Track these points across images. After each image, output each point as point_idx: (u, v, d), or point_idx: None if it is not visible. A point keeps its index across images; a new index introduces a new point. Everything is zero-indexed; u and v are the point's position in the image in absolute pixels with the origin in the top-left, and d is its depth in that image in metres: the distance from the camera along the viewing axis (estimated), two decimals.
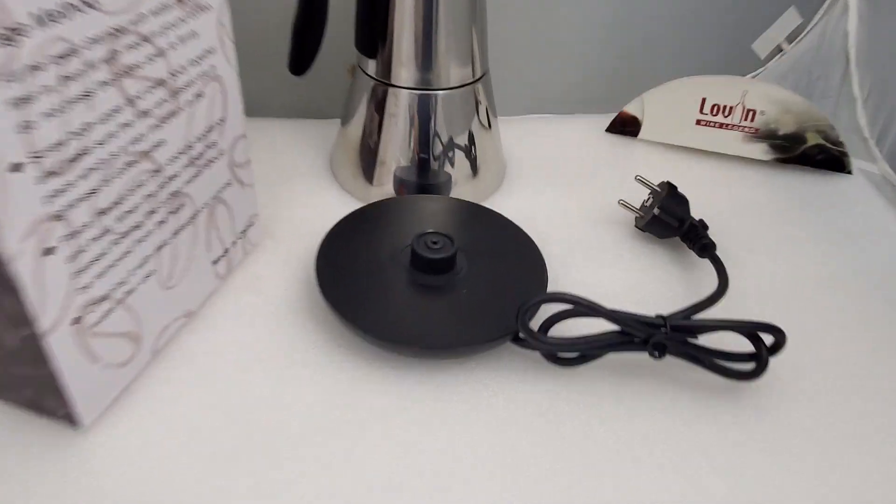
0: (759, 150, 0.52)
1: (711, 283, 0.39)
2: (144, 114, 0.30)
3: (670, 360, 0.35)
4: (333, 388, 0.35)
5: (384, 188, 0.47)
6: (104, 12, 0.26)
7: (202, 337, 0.37)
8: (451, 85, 0.45)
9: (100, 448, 0.31)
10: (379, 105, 0.45)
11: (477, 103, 0.46)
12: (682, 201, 0.44)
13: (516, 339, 0.36)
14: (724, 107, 0.51)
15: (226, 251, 0.39)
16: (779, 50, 0.58)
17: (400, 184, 0.47)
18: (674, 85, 0.52)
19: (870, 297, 0.42)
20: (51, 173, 0.25)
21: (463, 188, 0.48)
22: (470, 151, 0.47)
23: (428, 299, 0.38)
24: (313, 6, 0.40)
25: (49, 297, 0.27)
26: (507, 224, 0.43)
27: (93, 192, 0.28)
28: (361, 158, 0.47)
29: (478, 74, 0.46)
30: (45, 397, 0.30)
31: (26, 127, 0.24)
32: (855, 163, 0.52)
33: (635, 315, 0.34)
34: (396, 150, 0.46)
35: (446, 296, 0.38)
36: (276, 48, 0.44)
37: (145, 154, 0.30)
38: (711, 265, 0.41)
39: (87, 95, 0.26)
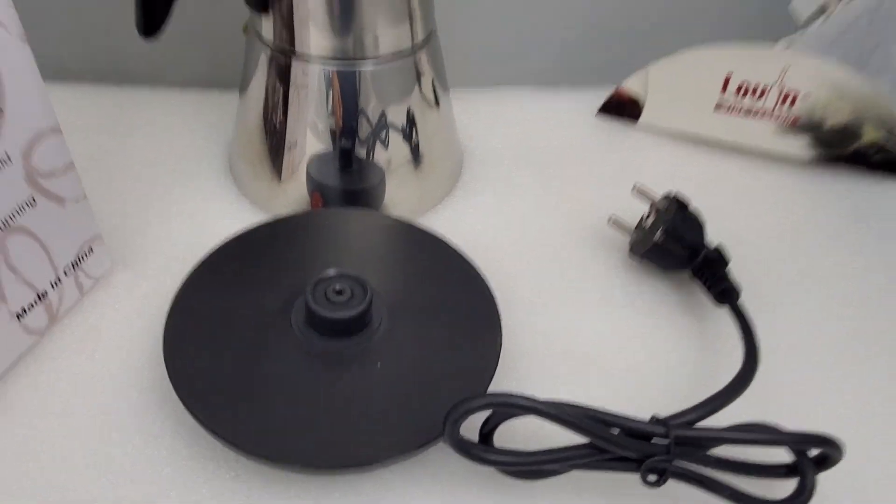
0: (799, 146, 0.40)
1: (732, 349, 0.28)
2: None
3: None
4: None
5: (294, 194, 0.35)
6: None
7: (10, 418, 0.25)
8: (381, 52, 0.32)
9: None
10: (283, 81, 0.33)
11: (419, 74, 0.34)
12: (695, 224, 0.32)
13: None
14: (756, 86, 0.38)
15: (40, 296, 0.27)
16: (822, 11, 0.45)
17: (315, 186, 0.35)
18: (688, 56, 0.39)
19: None
20: None
21: (402, 190, 0.35)
22: (410, 137, 0.35)
23: (329, 378, 0.26)
24: None
25: None
26: (452, 255, 0.31)
27: None
28: (264, 151, 0.35)
29: (419, 37, 0.33)
30: None
31: None
32: None
33: (621, 419, 0.23)
34: (307, 140, 0.34)
35: (355, 372, 0.26)
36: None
37: None
38: (733, 319, 0.30)
39: None
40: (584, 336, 0.30)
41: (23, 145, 0.24)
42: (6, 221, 0.24)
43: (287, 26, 0.31)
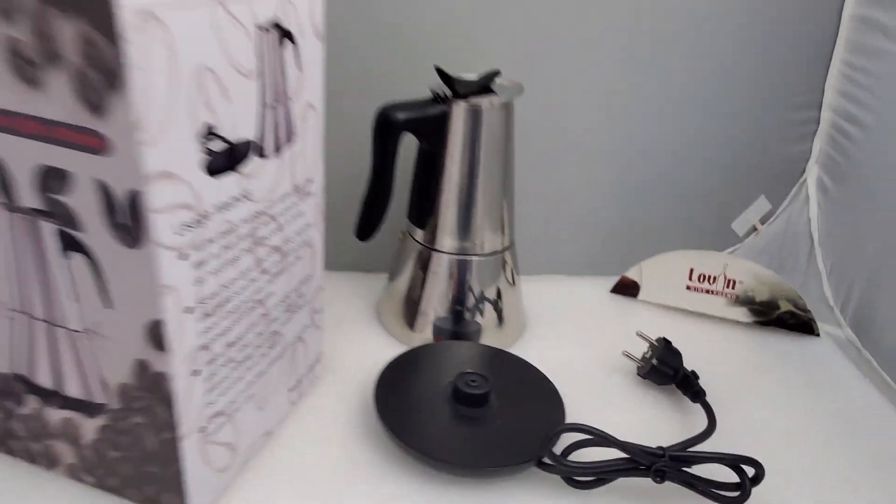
0: (741, 314, 0.61)
1: (702, 424, 0.47)
2: (265, 272, 0.39)
3: (669, 487, 0.42)
4: (387, 499, 0.41)
5: (424, 334, 0.56)
6: (253, 201, 0.36)
7: (278, 454, 0.44)
8: (486, 252, 0.55)
9: None
10: (424, 266, 0.55)
11: (504, 264, 0.56)
12: (677, 354, 0.53)
13: (540, 464, 0.43)
14: (709, 276, 0.61)
15: (298, 382, 0.47)
16: (754, 229, 0.70)
17: (437, 331, 0.56)
18: (667, 256, 0.62)
19: (838, 441, 0.49)
20: (206, 315, 0.34)
21: (490, 337, 0.56)
22: (497, 305, 0.56)
23: (467, 427, 0.45)
24: (382, 186, 0.52)
25: (190, 409, 0.35)
26: (531, 368, 0.51)
27: (227, 329, 0.37)
28: (405, 309, 0.57)
29: (506, 244, 0.56)
30: (164, 494, 0.37)
31: (198, 282, 0.33)
32: (822, 327, 0.61)
33: (640, 445, 0.42)
34: (436, 304, 0.55)
35: (482, 425, 0.45)
36: (333, 213, 0.53)
37: (260, 302, 0.39)
38: (702, 409, 0.49)
39: (235, 259, 0.36)
40: (611, 421, 0.49)
41: (313, 294, 0.46)
42: (300, 334, 0.45)
43: (432, 234, 0.54)
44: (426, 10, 0.58)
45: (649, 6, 0.60)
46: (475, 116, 0.51)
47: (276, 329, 0.42)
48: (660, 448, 0.42)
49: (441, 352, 0.52)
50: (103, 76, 0.27)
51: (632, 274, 0.64)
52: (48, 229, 0.32)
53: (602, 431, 0.41)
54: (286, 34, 0.36)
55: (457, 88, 0.50)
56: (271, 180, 0.38)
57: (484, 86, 0.52)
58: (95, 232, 0.31)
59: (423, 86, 0.53)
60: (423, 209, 0.54)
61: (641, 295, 0.64)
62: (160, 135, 0.29)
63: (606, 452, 0.41)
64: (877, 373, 0.57)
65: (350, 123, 0.54)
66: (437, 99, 0.51)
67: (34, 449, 0.40)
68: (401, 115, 0.49)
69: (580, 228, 0.68)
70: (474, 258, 0.55)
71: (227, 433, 0.39)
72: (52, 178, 0.30)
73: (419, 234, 0.55)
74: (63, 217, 0.31)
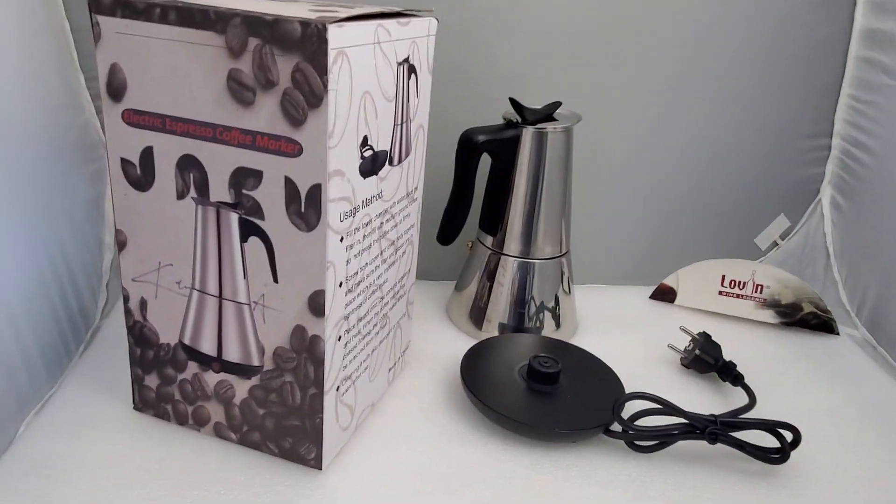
0: (768, 315, 0.69)
1: (743, 403, 0.54)
2: (384, 261, 0.47)
3: (719, 451, 0.49)
4: (477, 457, 0.48)
5: (490, 332, 0.64)
6: (383, 200, 0.45)
7: (382, 421, 0.51)
8: (546, 256, 0.63)
9: (338, 484, 0.44)
10: (492, 269, 0.63)
11: (562, 273, 0.64)
12: (716, 346, 0.60)
13: (607, 431, 0.50)
14: (739, 282, 0.69)
15: (395, 363, 0.55)
16: (775, 244, 0.78)
17: (502, 330, 0.64)
18: (700, 265, 0.70)
19: (858, 422, 0.56)
20: (349, 290, 0.42)
21: (548, 333, 0.64)
22: (555, 310, 0.64)
23: (541, 400, 0.52)
24: (463, 197, 0.60)
25: (332, 369, 0.42)
26: (590, 356, 0.59)
27: (360, 305, 0.44)
28: (474, 309, 0.65)
29: (564, 251, 0.64)
30: (301, 446, 0.44)
31: (347, 262, 0.41)
32: (841, 328, 0.69)
33: (696, 413, 0.49)
34: (502, 303, 0.63)
35: (554, 398, 0.53)
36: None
37: (380, 286, 0.47)
38: (742, 392, 0.56)
39: (369, 247, 0.44)
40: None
41: (409, 287, 0.54)
42: (398, 321, 0.53)
43: (500, 240, 0.63)
44: (501, 51, 0.67)
45: (683, 50, 0.69)
46: (541, 140, 0.59)
47: (386, 312, 0.50)
48: (712, 415, 0.49)
49: (512, 341, 0.60)
50: (306, 97, 0.35)
51: (669, 281, 0.72)
52: (233, 218, 0.40)
53: (663, 399, 0.49)
54: (412, 69, 0.45)
55: (526, 116, 0.59)
56: (395, 184, 0.46)
57: (548, 114, 0.61)
58: (275, 219, 0.39)
59: (491, 114, 0.62)
60: (494, 219, 0.62)
61: (678, 300, 0.72)
62: (339, 142, 0.37)
63: (663, 421, 0.49)
64: (891, 366, 0.64)
65: (432, 148, 0.63)
66: (510, 125, 0.60)
67: (186, 411, 0.47)
68: (481, 138, 0.58)
69: (622, 243, 0.76)
70: (537, 262, 0.63)
71: (351, 396, 0.46)
72: (245, 177, 0.39)
73: (489, 241, 0.64)
74: (249, 208, 0.39)
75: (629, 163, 0.73)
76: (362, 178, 0.41)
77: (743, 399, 0.56)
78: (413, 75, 0.45)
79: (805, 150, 0.76)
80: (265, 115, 0.37)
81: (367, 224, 0.43)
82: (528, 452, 0.49)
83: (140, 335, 0.46)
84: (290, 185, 0.38)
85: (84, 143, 0.62)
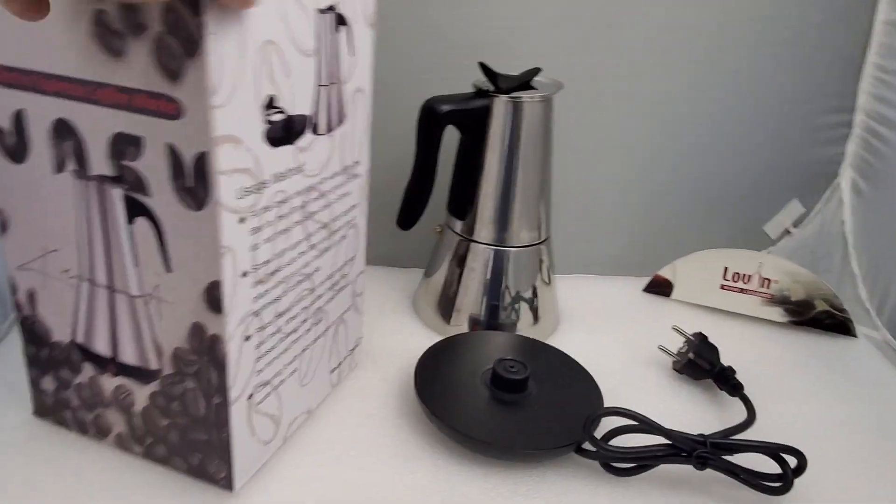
0: (776, 313, 0.61)
1: (740, 417, 0.47)
2: (313, 247, 0.40)
3: (709, 476, 0.42)
4: (427, 478, 0.42)
5: (460, 326, 0.57)
6: (306, 175, 0.38)
7: (319, 432, 0.44)
8: (522, 244, 0.55)
9: None
10: (462, 257, 0.56)
11: (541, 262, 0.57)
12: (713, 349, 0.53)
13: (579, 450, 0.43)
14: (744, 275, 0.61)
15: (339, 364, 0.48)
16: (787, 232, 0.70)
17: (473, 322, 0.56)
18: (701, 255, 0.63)
19: (876, 439, 0.48)
20: (259, 282, 0.35)
21: (525, 330, 0.57)
22: (532, 302, 0.57)
23: (505, 412, 0.45)
24: (425, 176, 0.53)
25: (240, 374, 0.36)
26: (568, 359, 0.51)
27: (277, 299, 0.37)
28: (442, 301, 0.57)
29: (543, 237, 0.57)
30: (210, 463, 0.38)
31: (254, 247, 0.34)
32: (858, 328, 0.61)
33: (681, 432, 0.42)
34: (472, 295, 0.56)
35: (520, 410, 0.46)
36: (371, 208, 0.54)
37: (308, 276, 0.40)
38: (741, 403, 0.49)
39: (286, 230, 0.37)
40: (648, 410, 0.49)
41: (355, 276, 0.47)
42: (342, 315, 0.46)
43: (470, 225, 0.55)
44: (472, 10, 0.59)
45: (684, 11, 0.61)
46: (516, 110, 0.52)
47: (321, 306, 0.43)
48: (700, 435, 0.42)
49: (479, 340, 0.53)
50: (182, 44, 0.28)
51: (665, 273, 0.65)
52: (116, 195, 0.33)
53: (644, 417, 0.41)
54: (341, 19, 0.37)
55: (499, 83, 0.52)
56: (323, 157, 0.39)
57: (525, 82, 0.53)
58: (162, 195, 0.32)
59: (466, 82, 0.54)
60: (463, 201, 0.55)
61: (675, 294, 0.65)
62: (228, 101, 0.30)
63: (645, 440, 0.42)
64: None
65: (390, 117, 0.55)
66: (480, 93, 0.52)
67: (86, 419, 0.41)
68: (445, 108, 0.50)
69: (612, 229, 0.69)
70: (511, 250, 0.55)
71: (272, 404, 0.39)
72: (124, 145, 0.32)
73: (458, 226, 0.56)
74: (132, 182, 0.32)
75: (621, 138, 0.65)
76: (271, 148, 0.34)
77: (741, 411, 0.48)
78: (343, 27, 0.38)
79: (823, 128, 0.67)
80: (139, 68, 0.30)
81: (282, 203, 0.36)
82: (486, 473, 0.42)
83: (31, 331, 0.40)
84: (172, 153, 0.31)
85: None
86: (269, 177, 0.34)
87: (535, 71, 0.53)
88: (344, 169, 0.42)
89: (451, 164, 0.56)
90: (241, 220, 0.33)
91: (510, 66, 0.53)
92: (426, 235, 0.60)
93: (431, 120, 0.51)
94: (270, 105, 0.33)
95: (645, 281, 0.66)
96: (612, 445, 0.42)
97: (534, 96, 0.52)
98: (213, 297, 0.33)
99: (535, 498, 0.41)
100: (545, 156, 0.54)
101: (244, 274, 0.34)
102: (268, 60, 0.32)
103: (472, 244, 0.55)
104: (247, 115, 0.31)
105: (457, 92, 0.53)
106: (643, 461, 0.42)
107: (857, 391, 0.54)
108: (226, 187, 0.31)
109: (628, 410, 0.42)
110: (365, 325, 0.54)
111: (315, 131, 0.38)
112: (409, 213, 0.54)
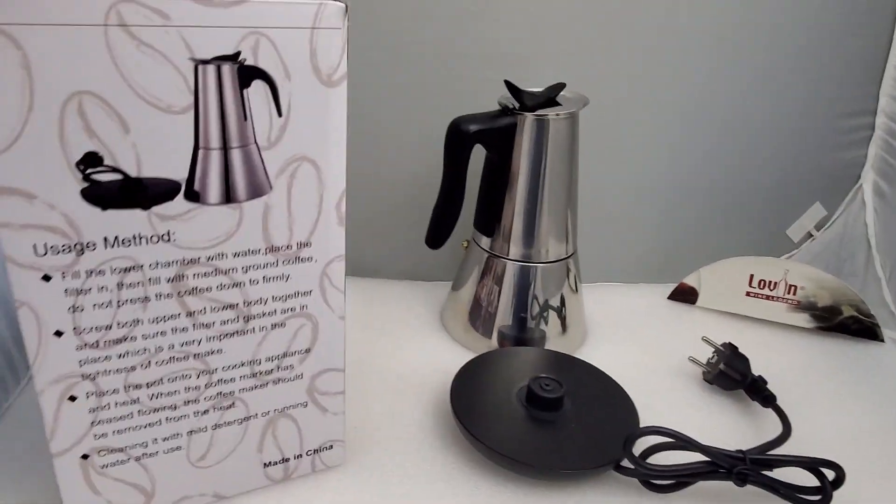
0: (802, 319, 0.62)
1: (774, 429, 0.47)
2: (204, 325, 0.35)
3: (743, 491, 0.42)
4: (469, 501, 0.42)
5: (489, 340, 0.57)
6: (179, 247, 0.33)
7: (360, 458, 0.45)
8: (551, 259, 0.56)
9: None
10: (489, 273, 0.57)
11: (568, 271, 0.57)
12: (744, 360, 0.53)
13: (618, 468, 0.43)
14: (770, 282, 0.61)
15: (285, 460, 0.42)
16: (809, 235, 0.70)
17: (502, 337, 0.57)
18: (726, 262, 0.63)
19: None
20: (89, 345, 0.33)
21: (554, 343, 0.57)
22: (560, 312, 0.57)
23: (542, 430, 0.46)
24: (454, 195, 0.53)
25: (62, 431, 0.34)
26: (600, 373, 0.52)
27: (131, 368, 0.34)
28: (470, 316, 0.58)
29: (570, 252, 0.57)
30: None
31: (74, 309, 0.32)
32: (886, 332, 0.61)
33: (721, 449, 0.42)
34: (501, 310, 0.56)
35: (556, 429, 0.46)
36: (395, 223, 0.55)
37: (198, 356, 0.36)
38: (773, 414, 0.49)
39: (143, 300, 0.33)
40: (681, 427, 0.49)
41: (315, 372, 0.39)
42: (284, 409, 0.40)
43: (498, 242, 0.56)
44: (489, 24, 0.59)
45: (703, 15, 0.61)
46: (542, 128, 0.52)
47: (230, 392, 0.38)
48: (739, 451, 0.42)
49: (511, 357, 0.53)
50: None
51: (690, 280, 0.65)
52: None
53: (683, 434, 0.42)
54: (256, 74, 0.32)
55: (524, 101, 0.52)
56: (217, 231, 0.34)
57: (550, 98, 0.53)
58: None
59: (492, 100, 0.54)
60: (490, 218, 0.55)
61: (700, 301, 0.65)
62: (6, 151, 0.28)
63: (683, 456, 0.42)
64: None
65: (412, 132, 0.56)
66: (506, 111, 0.52)
67: None
68: (472, 127, 0.51)
69: (634, 235, 0.69)
70: (539, 265, 0.56)
71: (133, 473, 0.37)
72: None
73: (485, 242, 0.57)
74: None
75: (641, 144, 0.65)
76: (97, 209, 0.31)
77: (774, 422, 0.48)
78: (266, 83, 0.32)
79: (845, 130, 0.67)
80: None
81: (129, 270, 0.33)
82: (526, 494, 0.43)
83: None
84: None
85: None
86: (98, 239, 0.31)
87: (560, 86, 0.54)
88: (273, 249, 0.36)
89: (477, 179, 0.56)
90: (46, 279, 0.31)
91: (528, 77, 0.54)
92: (450, 249, 0.60)
93: (459, 140, 0.51)
94: (91, 163, 0.30)
95: (668, 287, 0.67)
96: (650, 464, 0.42)
97: (559, 113, 0.52)
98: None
99: None
100: (571, 171, 0.55)
101: (58, 333, 0.32)
102: (82, 113, 0.29)
103: (501, 260, 0.56)
104: (45, 170, 0.29)
105: (477, 103, 0.52)
106: (683, 478, 0.43)
107: (888, 397, 0.54)
108: (13, 242, 0.30)
109: (667, 429, 0.42)
110: (389, 342, 0.54)
111: (198, 199, 0.33)
112: (439, 232, 0.54)
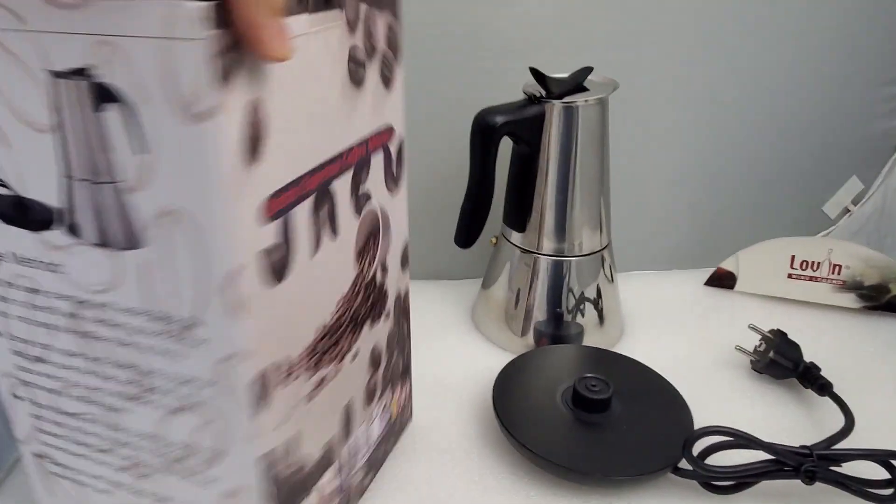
0: (848, 300, 0.59)
1: (832, 419, 0.45)
2: (105, 378, 0.31)
3: (808, 489, 0.40)
4: None
5: (525, 339, 0.55)
6: (70, 282, 0.29)
7: (406, 471, 0.43)
8: (584, 252, 0.53)
9: None
10: (522, 269, 0.54)
11: (603, 262, 0.55)
12: (795, 346, 0.51)
13: (675, 470, 0.41)
14: (812, 262, 0.59)
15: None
16: (846, 211, 0.67)
17: (538, 334, 0.55)
18: (766, 245, 0.60)
19: None
20: (18, 353, 0.32)
21: (592, 337, 0.55)
22: (597, 305, 0.55)
23: (591, 434, 0.44)
24: (483, 191, 0.51)
25: (17, 422, 0.34)
26: (646, 369, 0.50)
27: (56, 391, 0.32)
28: (505, 314, 0.56)
29: (604, 243, 0.55)
30: None
31: (6, 314, 0.31)
32: None
33: (786, 446, 0.40)
34: (536, 307, 0.54)
35: (606, 431, 0.44)
36: (418, 223, 0.52)
37: (101, 407, 0.31)
38: (831, 402, 0.47)
39: (46, 326, 0.30)
40: (734, 421, 0.47)
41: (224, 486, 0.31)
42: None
43: (530, 237, 0.53)
44: (515, 9, 0.57)
45: None
46: (571, 115, 0.49)
47: (140, 461, 0.32)
48: (804, 447, 0.40)
49: (551, 356, 0.51)
50: None
51: (727, 265, 0.62)
52: None
53: (744, 433, 0.40)
54: (105, 93, 0.24)
55: (551, 88, 0.49)
56: (100, 276, 0.28)
57: (578, 84, 0.51)
58: None
59: (513, 91, 0.51)
60: (521, 212, 0.53)
61: (739, 286, 0.62)
62: None
63: (740, 454, 0.40)
64: None
65: (432, 126, 0.53)
66: (532, 100, 0.50)
67: None
68: (499, 119, 0.48)
69: (666, 221, 0.67)
70: (574, 259, 0.53)
71: (74, 495, 0.35)
72: None
73: (516, 238, 0.54)
74: None
75: (670, 125, 0.63)
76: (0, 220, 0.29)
77: (831, 410, 0.46)
78: (112, 105, 0.24)
79: (878, 101, 0.64)
80: None
81: (33, 291, 0.30)
82: (582, 499, 0.41)
83: None
84: None
85: None
86: (6, 252, 0.29)
87: (587, 70, 0.51)
88: (161, 318, 0.28)
89: (504, 173, 0.54)
90: None
91: (551, 63, 0.51)
92: (477, 245, 0.58)
93: (486, 133, 0.48)
94: None
95: (704, 273, 0.64)
96: (711, 465, 0.40)
97: (588, 99, 0.49)
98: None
99: None
100: (603, 159, 0.52)
101: None
102: None
103: (533, 256, 0.53)
104: None
105: (498, 94, 0.50)
106: (745, 478, 0.40)
107: None
108: None
109: (728, 429, 0.40)
110: (426, 346, 0.52)
111: (75, 234, 0.28)
112: (469, 230, 0.52)
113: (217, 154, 0.24)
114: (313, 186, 0.30)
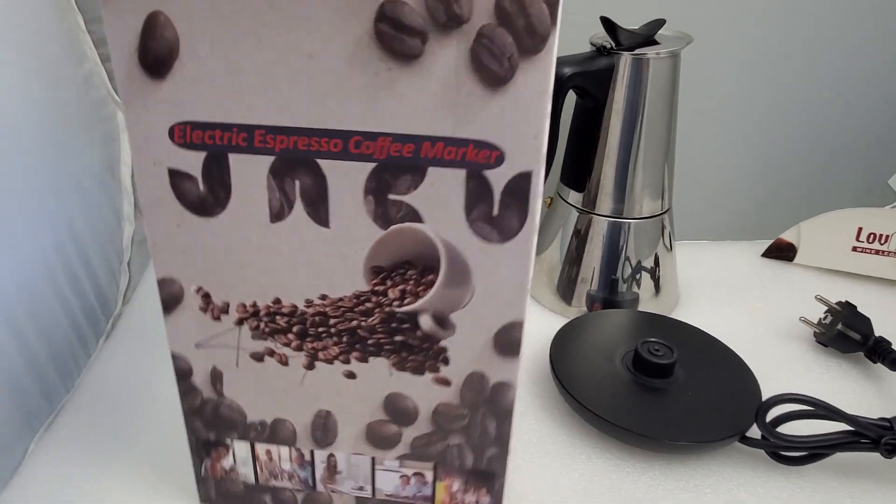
0: None
1: None
2: None
3: (876, 463, 0.38)
4: (587, 478, 0.39)
5: (578, 304, 0.53)
6: None
7: None
8: (644, 215, 0.51)
9: None
10: (579, 231, 0.52)
11: (663, 229, 0.53)
12: (864, 319, 0.49)
13: (743, 439, 0.40)
14: (881, 235, 0.56)
15: None
16: None
17: (591, 299, 0.53)
18: (830, 216, 0.58)
19: None
20: None
21: (646, 305, 0.53)
22: (654, 273, 0.53)
23: (655, 399, 0.42)
24: (549, 146, 0.49)
25: None
26: (709, 338, 0.48)
27: None
28: (558, 277, 0.54)
29: (666, 207, 0.52)
30: None
31: None
32: None
33: (866, 418, 0.38)
34: (591, 271, 0.52)
35: (670, 397, 0.42)
36: None
37: None
38: None
39: None
40: (801, 389, 0.46)
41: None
42: None
43: (589, 197, 0.51)
44: None
45: None
46: (640, 69, 0.47)
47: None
48: (884, 419, 0.38)
49: (608, 319, 0.50)
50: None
51: (788, 236, 0.60)
52: None
53: (823, 402, 0.38)
54: None
55: (621, 39, 0.47)
56: None
57: (649, 37, 0.48)
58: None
59: (581, 40, 0.49)
60: (581, 171, 0.51)
61: (799, 258, 0.60)
62: None
63: (810, 425, 0.38)
64: None
65: None
66: (601, 51, 0.47)
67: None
68: (567, 70, 0.46)
69: (728, 191, 0.64)
70: (633, 221, 0.51)
71: None
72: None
73: (573, 198, 0.52)
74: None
75: (736, 93, 0.60)
76: None
77: None
78: None
79: None
80: None
81: None
82: (644, 468, 0.40)
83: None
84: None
85: (89, 99, 0.52)
86: None
87: (660, 23, 0.49)
88: None
89: (565, 132, 0.52)
90: None
91: (626, 18, 0.49)
92: None
93: (554, 85, 0.46)
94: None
95: (759, 245, 0.62)
96: (784, 434, 0.38)
97: (660, 52, 0.47)
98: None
99: (706, 492, 0.38)
100: (671, 118, 0.50)
101: None
102: None
103: (592, 217, 0.52)
104: None
105: (567, 53, 0.48)
106: (820, 450, 0.39)
107: None
108: None
109: (806, 396, 0.38)
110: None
111: None
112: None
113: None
114: (266, 145, 0.26)
